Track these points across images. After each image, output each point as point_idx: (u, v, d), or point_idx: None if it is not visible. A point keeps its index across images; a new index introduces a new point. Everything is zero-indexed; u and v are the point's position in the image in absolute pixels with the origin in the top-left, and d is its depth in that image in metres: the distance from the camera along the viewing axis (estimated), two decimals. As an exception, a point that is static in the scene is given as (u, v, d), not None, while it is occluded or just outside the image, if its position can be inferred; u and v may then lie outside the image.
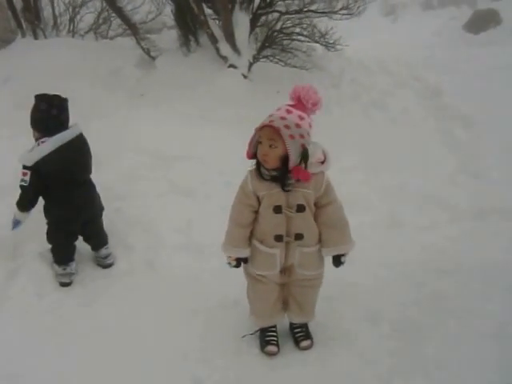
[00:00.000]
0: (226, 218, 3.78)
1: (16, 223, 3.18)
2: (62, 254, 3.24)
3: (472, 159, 4.69)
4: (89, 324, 2.93)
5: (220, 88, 5.47)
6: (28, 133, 5.04)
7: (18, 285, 3.21)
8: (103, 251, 3.40)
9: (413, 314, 2.80)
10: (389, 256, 3.48)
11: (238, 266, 2.52)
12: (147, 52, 6.11)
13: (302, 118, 2.19)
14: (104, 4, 8.26)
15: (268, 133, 2.18)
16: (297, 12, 5.54)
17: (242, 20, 5.48)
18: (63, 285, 3.24)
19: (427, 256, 3.47)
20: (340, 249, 2.40)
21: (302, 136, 2.17)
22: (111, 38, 8.05)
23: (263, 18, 5.83)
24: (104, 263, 3.42)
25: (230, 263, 2.51)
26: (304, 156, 2.19)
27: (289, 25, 5.94)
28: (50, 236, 3.24)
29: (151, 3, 7.79)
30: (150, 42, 6.12)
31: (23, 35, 7.10)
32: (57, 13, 8.52)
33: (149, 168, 4.34)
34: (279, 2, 5.78)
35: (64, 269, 3.23)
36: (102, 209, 3.37)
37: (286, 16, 5.63)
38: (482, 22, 12.07)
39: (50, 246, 3.29)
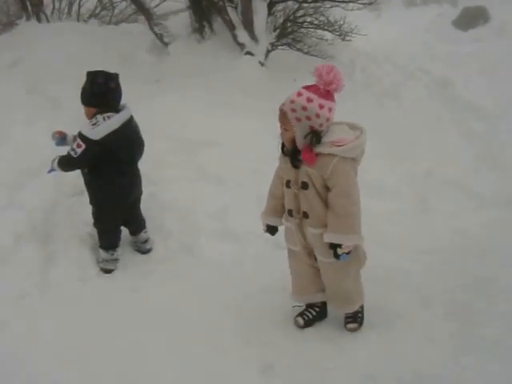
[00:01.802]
0: (261, 206, 3.87)
1: (52, 169, 3.14)
2: (111, 239, 3.19)
3: (490, 149, 4.79)
4: (136, 311, 2.91)
5: (237, 75, 5.45)
6: (44, 116, 5.02)
7: (59, 270, 3.18)
8: (142, 235, 3.38)
9: (463, 297, 2.85)
10: (423, 242, 3.54)
11: (270, 233, 2.69)
12: (160, 38, 6.05)
13: (310, 100, 2.18)
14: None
15: (280, 116, 2.29)
16: (315, 1, 5.52)
17: (260, 7, 5.46)
18: (107, 271, 3.21)
19: (461, 242, 3.54)
20: (335, 237, 2.29)
21: (308, 118, 2.18)
22: (115, 24, 7.90)
23: (279, 5, 5.80)
24: (143, 248, 3.39)
25: (264, 229, 2.69)
26: (313, 137, 2.21)
27: (301, 14, 5.91)
28: (99, 219, 3.18)
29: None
30: (162, 27, 6.04)
31: (28, 18, 6.93)
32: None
33: (176, 154, 4.32)
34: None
35: (112, 254, 3.19)
36: (141, 192, 3.34)
37: (305, 5, 5.60)
38: (470, 19, 12.17)
39: (96, 230, 3.25)
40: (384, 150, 4.75)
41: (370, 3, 5.62)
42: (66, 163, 3.02)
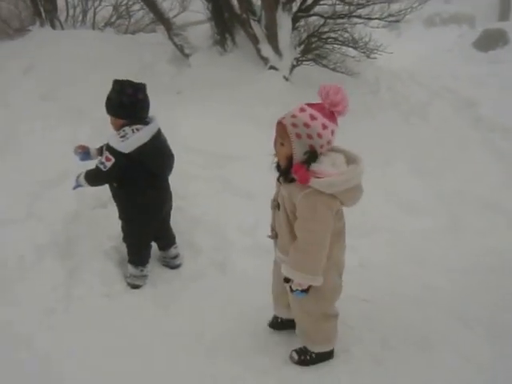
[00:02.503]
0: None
1: (78, 185, 2.98)
2: (141, 255, 3.04)
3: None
4: (165, 329, 2.76)
5: (261, 89, 5.33)
6: (64, 125, 4.89)
7: (84, 285, 3.02)
8: (172, 251, 3.22)
9: (503, 316, 2.74)
10: (458, 260, 3.47)
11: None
12: (180, 49, 5.95)
13: (313, 118, 2.02)
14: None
15: (278, 130, 2.13)
16: (340, 17, 5.44)
17: (284, 21, 5.37)
18: (135, 287, 3.04)
19: (495, 260, 3.44)
20: (288, 271, 2.18)
21: (310, 136, 2.03)
22: (132, 33, 7.81)
23: (303, 20, 5.72)
24: (173, 264, 3.24)
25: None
26: (310, 157, 2.06)
27: (326, 30, 5.83)
28: (130, 234, 3.02)
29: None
30: (183, 38, 5.94)
31: (42, 24, 6.84)
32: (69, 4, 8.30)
33: (201, 167, 4.19)
34: (319, 6, 5.69)
35: (141, 270, 3.03)
36: (171, 206, 3.19)
37: (330, 21, 5.51)
38: (490, 40, 12.29)
39: (125, 245, 3.09)
40: (414, 168, 4.73)
41: (397, 21, 5.53)
42: (95, 177, 2.87)
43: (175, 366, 2.48)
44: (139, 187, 2.83)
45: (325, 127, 2.03)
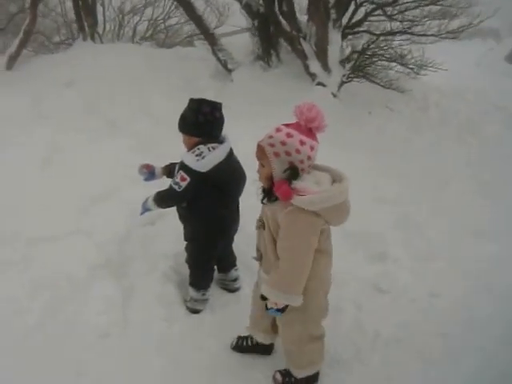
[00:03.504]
0: (349, 241, 3.52)
1: (146, 210, 2.82)
2: (205, 278, 2.84)
3: None
4: (229, 357, 2.58)
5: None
6: (107, 138, 4.77)
7: (141, 308, 2.81)
8: (233, 273, 3.03)
9: None
10: None
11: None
12: (224, 64, 5.84)
13: (289, 136, 2.03)
14: (155, 12, 8.10)
15: (257, 152, 2.15)
16: (391, 33, 5.28)
17: (335, 37, 5.23)
18: (195, 312, 2.84)
19: None
20: (264, 288, 2.14)
21: (288, 153, 2.03)
22: (168, 47, 7.76)
23: (351, 37, 5.60)
24: (232, 287, 3.04)
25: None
26: (291, 173, 2.04)
27: (373, 46, 5.68)
28: (196, 255, 2.82)
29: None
30: (227, 53, 5.84)
31: (84, 38, 6.82)
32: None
33: (254, 184, 3.99)
34: (367, 23, 5.55)
35: (203, 294, 2.83)
36: (238, 227, 3.01)
37: (382, 38, 5.37)
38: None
39: (188, 266, 2.90)
40: (480, 188, 4.44)
41: (454, 38, 5.36)
42: (168, 199, 2.70)
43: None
44: (210, 207, 2.65)
45: (302, 143, 2.03)
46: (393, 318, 2.84)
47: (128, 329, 2.68)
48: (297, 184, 2.03)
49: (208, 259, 2.83)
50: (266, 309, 2.16)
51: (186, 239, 2.86)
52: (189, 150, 2.63)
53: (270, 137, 2.07)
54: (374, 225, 3.64)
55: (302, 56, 5.31)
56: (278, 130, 2.08)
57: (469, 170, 4.61)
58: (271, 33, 5.70)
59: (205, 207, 2.66)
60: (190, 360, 2.53)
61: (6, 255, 3.13)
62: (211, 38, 5.85)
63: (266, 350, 2.60)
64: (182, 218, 2.82)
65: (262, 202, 2.21)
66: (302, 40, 5.30)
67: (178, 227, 3.42)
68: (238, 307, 2.92)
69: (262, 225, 2.23)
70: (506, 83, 8.32)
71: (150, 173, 2.96)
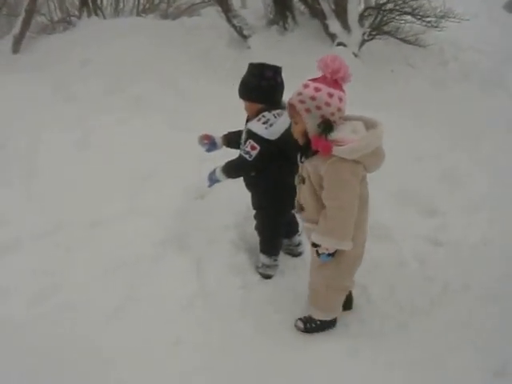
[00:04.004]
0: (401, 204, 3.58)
1: (215, 181, 2.82)
2: (276, 244, 2.92)
3: None
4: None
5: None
6: (136, 117, 4.74)
7: (217, 278, 2.88)
8: (296, 238, 3.10)
9: None
10: None
11: None
12: (240, 31, 5.76)
13: (318, 90, 2.09)
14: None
15: (289, 111, 2.24)
16: None
17: (356, -6, 5.17)
18: (267, 277, 2.93)
19: None
20: (316, 237, 2.26)
21: (318, 107, 2.09)
22: (173, 18, 7.61)
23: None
24: (296, 251, 3.12)
25: None
26: (325, 127, 2.10)
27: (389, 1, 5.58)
28: (266, 223, 2.88)
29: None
30: (241, 19, 5.76)
31: (89, 15, 6.68)
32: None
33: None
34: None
35: (275, 260, 2.90)
36: None
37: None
38: (517, 4, 11.92)
39: (258, 234, 2.97)
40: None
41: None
42: (239, 169, 2.71)
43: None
44: (278, 175, 2.68)
45: (331, 95, 2.08)
46: (456, 268, 2.94)
47: (209, 298, 2.76)
48: (334, 135, 2.10)
49: (277, 226, 2.89)
50: (317, 255, 2.29)
51: (254, 207, 2.92)
52: (252, 117, 2.65)
53: (299, 93, 2.12)
54: (419, 181, 3.71)
55: (321, 16, 5.24)
56: (305, 85, 2.13)
57: (502, 120, 4.62)
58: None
59: (272, 175, 2.69)
60: (275, 322, 2.63)
61: (68, 240, 3.19)
62: (225, 5, 5.74)
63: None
64: (249, 186, 2.86)
65: (301, 162, 2.32)
66: (320, -1, 5.22)
67: (230, 200, 3.52)
68: (306, 270, 3.01)
69: (301, 180, 2.34)
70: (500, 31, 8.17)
71: (210, 143, 2.97)
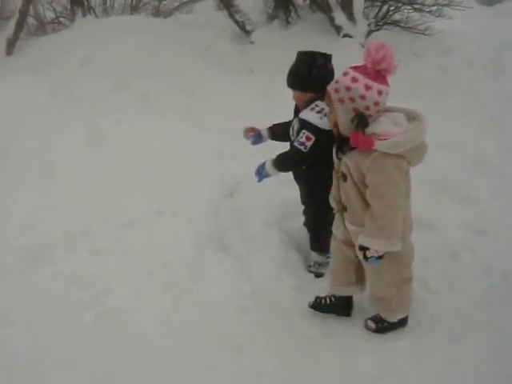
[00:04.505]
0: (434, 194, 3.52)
1: (265, 176, 2.68)
2: (327, 240, 2.82)
3: None
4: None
5: (340, 59, 5.06)
6: (147, 113, 4.56)
7: (268, 278, 2.77)
8: None
9: None
10: None
11: None
12: (242, 26, 5.66)
13: (355, 80, 1.98)
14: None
15: (326, 97, 2.16)
16: None
17: (357, -14, 5.12)
18: (319, 275, 2.83)
19: None
20: (364, 239, 2.10)
21: (352, 99, 1.99)
22: (165, 16, 7.42)
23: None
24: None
25: None
26: (359, 121, 1.99)
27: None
28: (318, 219, 2.77)
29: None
30: (244, 14, 5.65)
31: (84, 14, 6.46)
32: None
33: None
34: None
35: (327, 257, 2.79)
36: None
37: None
38: (491, -6, 12.13)
39: (308, 230, 2.88)
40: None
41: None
42: (293, 161, 2.61)
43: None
44: (327, 169, 2.58)
45: (368, 88, 1.97)
46: (509, 254, 2.89)
47: (264, 301, 2.64)
48: (376, 128, 1.99)
49: (328, 221, 2.79)
50: (365, 259, 2.14)
51: (303, 203, 2.84)
52: (303, 107, 2.56)
53: (336, 81, 2.04)
54: (449, 169, 3.68)
55: (327, 8, 5.18)
56: (344, 74, 2.03)
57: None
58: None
59: (323, 168, 2.56)
60: (340, 322, 2.53)
61: (102, 244, 3.05)
62: (226, 0, 5.62)
63: (345, 307, 2.54)
64: (298, 179, 2.78)
65: (338, 157, 2.20)
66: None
67: (261, 197, 3.41)
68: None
69: (341, 176, 2.18)
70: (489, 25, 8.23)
71: (256, 136, 2.88)
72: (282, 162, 2.61)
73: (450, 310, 2.49)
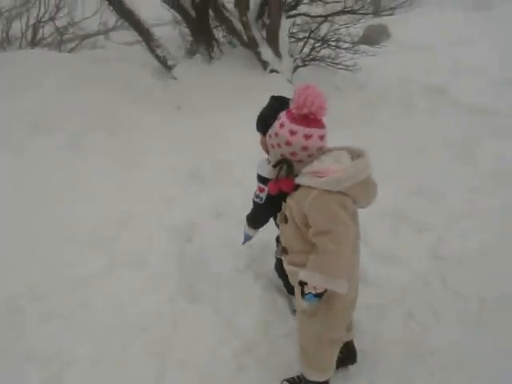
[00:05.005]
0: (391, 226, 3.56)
1: (247, 237, 2.71)
2: None
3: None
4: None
5: (267, 94, 5.07)
6: (82, 157, 4.11)
7: (255, 327, 2.59)
8: None
9: None
10: None
11: None
12: (163, 61, 5.45)
13: (282, 126, 1.94)
14: (40, 13, 7.24)
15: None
16: (343, 12, 5.39)
17: (283, 23, 5.19)
18: None
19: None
20: (303, 273, 1.92)
21: (279, 145, 1.95)
22: (70, 50, 6.95)
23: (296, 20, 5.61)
24: None
25: None
26: (282, 167, 1.97)
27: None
28: None
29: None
30: (165, 49, 5.45)
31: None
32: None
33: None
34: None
35: None
36: None
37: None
38: (375, 35, 13.27)
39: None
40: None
41: (390, 14, 5.66)
42: (256, 215, 2.56)
43: None
44: None
45: (293, 133, 1.90)
46: (479, 277, 2.93)
47: (256, 354, 2.45)
48: (315, 166, 1.92)
49: None
50: (303, 295, 1.94)
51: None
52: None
53: (272, 127, 2.01)
54: (398, 200, 3.75)
55: (253, 44, 5.18)
56: (278, 118, 1.99)
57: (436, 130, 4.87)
58: (209, 23, 5.46)
59: None
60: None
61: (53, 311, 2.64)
62: (146, 35, 5.38)
63: (347, 355, 2.38)
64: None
65: (283, 200, 2.09)
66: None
67: (219, 240, 3.23)
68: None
69: (283, 218, 2.08)
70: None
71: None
72: (250, 219, 2.63)
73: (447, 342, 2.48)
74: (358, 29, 5.91)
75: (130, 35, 6.87)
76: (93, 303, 2.68)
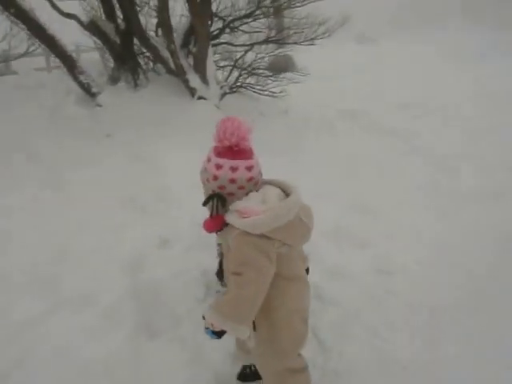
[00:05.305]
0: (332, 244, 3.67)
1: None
2: None
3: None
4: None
5: (198, 119, 5.09)
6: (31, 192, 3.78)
7: (231, 358, 2.52)
8: None
9: None
10: None
11: None
12: (87, 88, 5.26)
13: (208, 161, 1.86)
14: None
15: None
16: (267, 42, 5.56)
17: (209, 52, 5.26)
18: None
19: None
20: (206, 307, 1.87)
21: (207, 180, 1.87)
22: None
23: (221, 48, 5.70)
24: None
25: None
26: (213, 202, 1.84)
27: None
28: None
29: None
30: (88, 76, 5.27)
31: None
32: None
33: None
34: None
35: None
36: None
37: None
38: (282, 64, 13.87)
39: None
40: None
41: (312, 44, 5.91)
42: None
43: None
44: None
45: (219, 167, 1.81)
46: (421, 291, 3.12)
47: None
48: (240, 205, 1.82)
49: None
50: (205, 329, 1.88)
51: None
52: None
53: (203, 161, 1.91)
54: (337, 218, 3.90)
55: (181, 71, 5.18)
56: (208, 152, 1.89)
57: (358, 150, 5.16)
58: (134, 51, 5.38)
59: None
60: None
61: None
62: (70, 61, 5.18)
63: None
64: None
65: (216, 233, 2.00)
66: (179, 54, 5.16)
67: (172, 270, 3.13)
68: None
69: (221, 254, 2.07)
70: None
71: None
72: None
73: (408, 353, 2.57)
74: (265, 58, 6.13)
75: (41, 61, 6.61)
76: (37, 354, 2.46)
